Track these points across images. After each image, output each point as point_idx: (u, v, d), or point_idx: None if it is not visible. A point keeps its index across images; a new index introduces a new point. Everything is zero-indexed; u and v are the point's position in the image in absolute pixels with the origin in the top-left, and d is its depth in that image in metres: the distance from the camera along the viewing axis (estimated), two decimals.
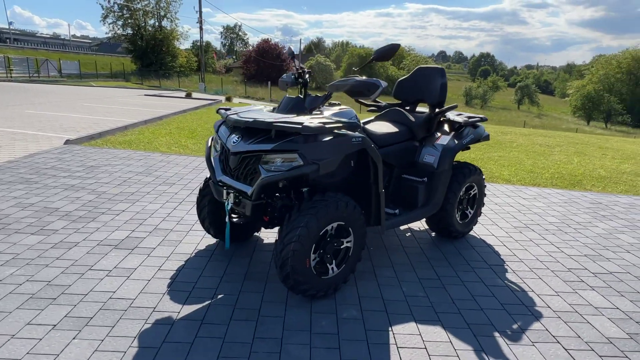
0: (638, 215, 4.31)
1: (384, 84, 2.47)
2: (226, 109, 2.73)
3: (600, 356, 2.04)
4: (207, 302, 2.33)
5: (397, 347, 2.03)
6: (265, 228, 2.72)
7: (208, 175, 2.96)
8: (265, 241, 3.18)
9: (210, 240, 3.13)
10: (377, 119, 3.46)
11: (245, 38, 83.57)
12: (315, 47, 78.10)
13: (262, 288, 2.51)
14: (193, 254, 2.89)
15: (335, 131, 2.32)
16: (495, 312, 2.38)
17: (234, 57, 73.26)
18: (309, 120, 2.26)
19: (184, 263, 2.76)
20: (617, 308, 2.49)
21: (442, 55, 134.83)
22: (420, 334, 2.14)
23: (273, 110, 2.76)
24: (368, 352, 1.98)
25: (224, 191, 2.50)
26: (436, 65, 3.59)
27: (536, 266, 2.99)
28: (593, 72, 58.91)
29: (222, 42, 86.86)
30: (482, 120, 3.47)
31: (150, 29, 41.07)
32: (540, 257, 3.14)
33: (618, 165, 7.07)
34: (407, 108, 3.59)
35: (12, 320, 2.07)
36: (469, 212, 3.44)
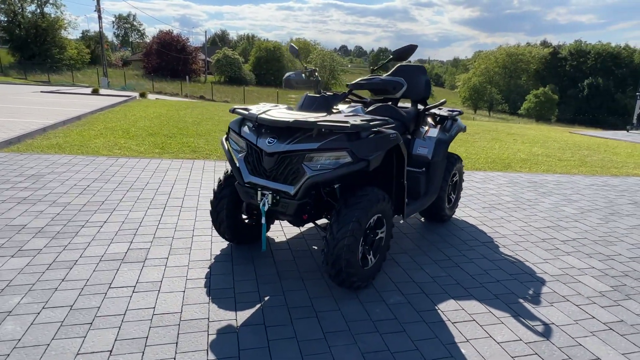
0: (567, 190, 5.12)
1: (405, 82, 2.64)
2: (244, 108, 2.66)
3: (602, 307, 2.48)
4: (258, 306, 2.29)
5: (452, 323, 2.24)
6: (297, 225, 2.71)
7: (222, 177, 2.86)
8: (277, 240, 3.17)
9: (221, 244, 3.03)
10: (369, 114, 3.62)
11: (141, 29, 77.53)
12: (220, 39, 75.52)
13: (301, 285, 2.53)
14: (212, 260, 2.78)
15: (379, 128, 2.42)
16: (510, 282, 2.72)
17: (129, 48, 67.61)
18: (353, 119, 2.33)
19: (209, 270, 2.65)
20: (593, 267, 3.00)
21: (343, 50, 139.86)
22: (463, 309, 2.38)
23: (293, 109, 2.77)
24: (431, 330, 2.16)
25: (258, 192, 2.47)
26: (417, 64, 3.85)
27: (518, 240, 3.44)
28: (476, 66, 66.13)
29: (114, 33, 79.50)
30: (460, 113, 3.83)
31: (29, 15, 36.04)
32: (517, 232, 3.61)
33: (530, 148, 8.20)
34: (389, 103, 3.81)
35: (58, 353, 1.84)
36: (452, 197, 3.80)
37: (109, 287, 2.38)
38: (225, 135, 2.85)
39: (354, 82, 2.85)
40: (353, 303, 2.37)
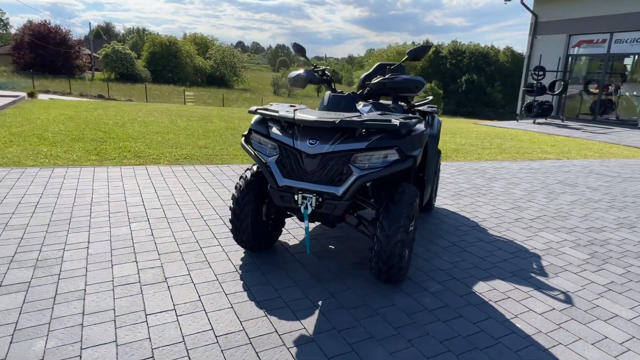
0: (506, 174, 5.80)
1: (425, 81, 2.76)
2: (265, 109, 2.54)
3: (592, 272, 2.90)
4: (316, 311, 2.23)
5: (494, 302, 2.44)
6: (331, 226, 2.67)
7: (241, 183, 2.68)
8: (290, 243, 3.08)
9: (235, 253, 2.85)
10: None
11: (4, 18, 66.68)
12: (105, 32, 68.43)
13: (344, 286, 2.52)
14: (240, 271, 2.61)
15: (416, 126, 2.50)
16: (514, 259, 3.03)
17: None
18: (395, 117, 2.38)
19: (242, 282, 2.49)
20: (566, 240, 3.49)
21: (240, 46, 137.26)
22: (494, 288, 2.60)
23: (316, 109, 2.71)
24: (482, 312, 2.33)
25: (299, 196, 2.39)
26: (396, 62, 4.02)
27: (497, 222, 3.83)
28: (370, 63, 70.18)
29: None
30: (436, 109, 4.10)
31: None
32: (492, 215, 4.01)
33: (453, 139, 9.05)
34: (371, 101, 3.93)
35: None
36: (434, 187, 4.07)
37: (147, 315, 2.11)
38: (244, 138, 2.69)
39: (376, 80, 2.88)
40: (402, 296, 2.44)
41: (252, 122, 2.64)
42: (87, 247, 2.81)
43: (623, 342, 2.12)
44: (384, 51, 71.11)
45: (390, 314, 2.25)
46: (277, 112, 2.48)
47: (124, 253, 2.76)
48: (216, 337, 1.97)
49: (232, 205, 2.69)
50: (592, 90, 14.38)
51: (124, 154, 5.58)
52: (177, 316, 2.11)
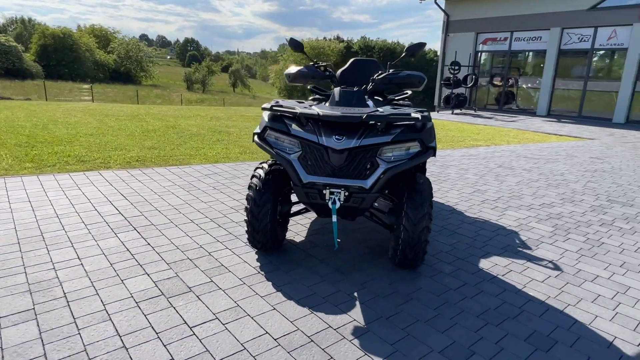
0: (453, 161, 6.30)
1: (425, 76, 2.91)
2: (280, 106, 2.50)
3: (563, 242, 3.33)
4: (357, 303, 2.28)
5: (502, 276, 2.70)
6: (352, 219, 2.70)
7: (257, 183, 2.60)
8: (296, 240, 3.07)
9: (247, 255, 2.77)
10: None
11: None
12: None
13: (368, 276, 2.59)
14: (262, 272, 2.55)
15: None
16: (499, 237, 3.36)
17: None
18: (413, 111, 2.49)
19: (270, 282, 2.44)
20: (529, 216, 3.94)
21: (145, 39, 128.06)
22: (496, 264, 2.86)
23: (322, 104, 2.72)
24: (498, 286, 2.56)
25: (326, 191, 2.41)
26: (371, 58, 4.14)
27: (469, 205, 4.18)
28: (285, 58, 70.27)
29: None
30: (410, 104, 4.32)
31: None
32: (462, 199, 4.36)
33: None
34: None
35: None
36: None
37: (189, 327, 1.98)
38: (257, 136, 2.61)
39: (380, 76, 2.96)
40: (424, 280, 2.59)
41: (267, 119, 2.57)
42: (81, 264, 2.52)
43: (613, 297, 2.50)
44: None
45: (423, 297, 2.38)
46: (293, 108, 2.45)
47: (128, 266, 2.53)
48: (275, 339, 1.93)
49: (248, 206, 2.60)
50: (496, 83, 16.06)
51: (64, 159, 5.00)
52: (223, 325, 2.02)
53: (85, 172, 4.53)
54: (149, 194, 3.92)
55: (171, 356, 1.78)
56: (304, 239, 3.12)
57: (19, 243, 2.75)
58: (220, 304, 2.19)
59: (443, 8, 15.99)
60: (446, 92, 14.78)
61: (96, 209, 3.43)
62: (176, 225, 3.20)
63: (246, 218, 2.64)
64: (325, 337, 1.97)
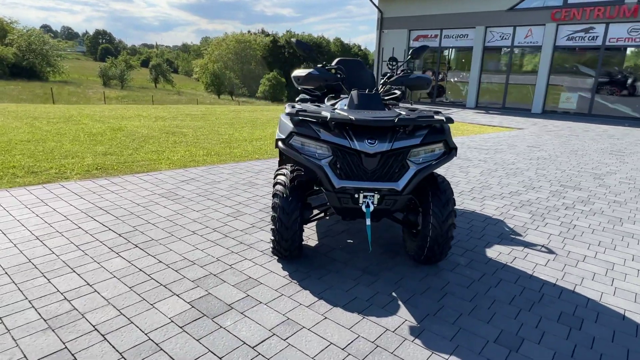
0: None
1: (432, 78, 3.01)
2: (304, 111, 2.45)
3: (545, 226, 3.67)
4: (400, 302, 2.33)
5: (509, 264, 2.91)
6: (378, 220, 2.72)
7: (282, 190, 2.52)
8: (311, 243, 3.03)
9: (269, 262, 2.69)
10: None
11: None
12: None
13: (397, 275, 2.65)
14: (294, 281, 2.50)
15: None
16: (489, 226, 3.60)
17: None
18: (437, 113, 2.57)
19: (308, 291, 2.40)
20: (506, 205, 4.27)
21: (47, 30, 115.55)
22: (500, 252, 3.08)
23: (341, 107, 2.71)
24: (511, 273, 2.76)
25: (360, 195, 2.42)
26: (355, 58, 4.18)
27: (459, 201, 4.40)
28: (210, 52, 67.96)
29: None
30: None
31: None
32: None
33: None
34: (332, 95, 4.04)
35: None
36: None
37: (251, 347, 1.89)
38: (282, 141, 2.53)
39: (392, 78, 2.99)
40: (448, 274, 2.71)
41: (291, 124, 2.50)
42: (95, 291, 2.27)
43: (606, 274, 2.83)
44: (223, 40, 69.55)
45: (455, 291, 2.50)
46: (319, 113, 2.42)
47: (150, 288, 2.33)
48: (343, 349, 1.92)
49: (276, 214, 2.52)
50: (398, 73, 16.96)
51: (10, 171, 4.42)
52: (284, 340, 1.96)
53: (45, 184, 4.05)
54: (131, 206, 3.61)
55: None
56: (317, 242, 3.10)
57: (7, 274, 2.40)
58: (270, 319, 2.11)
59: (377, 5, 16.52)
60: None
61: (80, 227, 3.10)
62: (180, 239, 3.00)
63: (273, 227, 2.56)
64: (387, 340, 2.00)
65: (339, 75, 2.93)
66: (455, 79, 16.95)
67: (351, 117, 2.33)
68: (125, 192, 3.96)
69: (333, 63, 4.00)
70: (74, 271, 2.48)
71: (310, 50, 2.99)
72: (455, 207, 2.61)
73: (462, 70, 16.30)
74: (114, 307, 2.14)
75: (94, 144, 6.04)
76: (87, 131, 7.04)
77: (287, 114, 2.47)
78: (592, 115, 13.58)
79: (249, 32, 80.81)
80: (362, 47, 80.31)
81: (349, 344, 1.95)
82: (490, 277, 2.70)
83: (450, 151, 2.56)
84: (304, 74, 2.89)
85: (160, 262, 2.65)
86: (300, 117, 2.44)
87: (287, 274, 2.59)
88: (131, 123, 8.32)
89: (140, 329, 1.98)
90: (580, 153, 7.45)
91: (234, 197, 4.02)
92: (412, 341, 2.01)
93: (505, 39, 14.40)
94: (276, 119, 10.49)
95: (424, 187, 2.65)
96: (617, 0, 12.20)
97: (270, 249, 2.74)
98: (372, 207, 2.44)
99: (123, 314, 2.09)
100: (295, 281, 2.51)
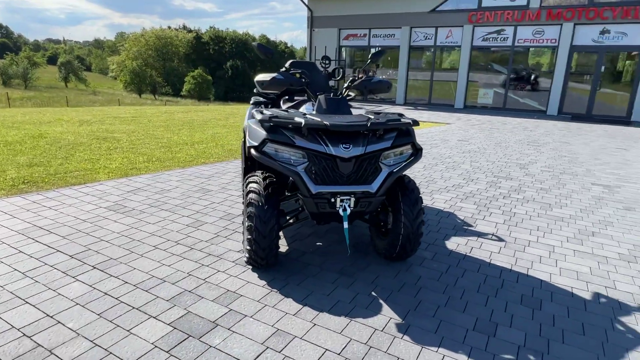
0: None
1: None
2: (277, 117, 2.43)
3: (491, 215, 3.98)
4: (381, 302, 2.40)
5: (470, 254, 3.13)
6: (350, 223, 2.75)
7: (256, 199, 2.46)
8: (282, 250, 3.00)
9: (243, 273, 2.62)
10: (294, 109, 3.73)
11: None
12: None
13: (372, 274, 2.72)
14: (274, 290, 2.46)
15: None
16: (442, 219, 3.83)
17: None
18: (401, 115, 2.67)
19: (290, 299, 2.38)
20: (453, 197, 4.56)
21: None
22: (458, 244, 3.29)
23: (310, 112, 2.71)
24: (473, 262, 2.97)
25: (337, 199, 2.45)
26: (308, 60, 4.17)
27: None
28: (127, 48, 63.69)
29: None
30: None
31: None
32: None
33: None
34: (287, 98, 4.03)
35: None
36: None
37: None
38: (255, 148, 2.47)
39: (356, 82, 3.02)
40: (418, 269, 2.84)
41: (263, 131, 2.45)
42: (59, 322, 2.06)
43: (550, 256, 3.15)
44: (142, 35, 65.46)
45: (428, 285, 2.64)
46: (292, 119, 2.41)
47: (122, 313, 2.16)
48: (339, 354, 1.94)
49: (252, 224, 2.46)
50: (360, 76, 17.47)
51: None
52: (280, 352, 1.93)
53: None
54: (76, 222, 3.31)
55: None
56: (287, 247, 3.08)
57: None
58: (259, 332, 2.07)
59: (306, 4, 16.64)
60: None
61: (21, 251, 2.77)
62: (141, 255, 2.81)
63: (249, 236, 2.49)
64: (379, 340, 2.06)
65: (303, 80, 2.92)
66: (383, 77, 17.64)
67: (326, 122, 2.35)
68: (65, 208, 3.61)
69: (286, 65, 3.97)
70: (27, 302, 2.22)
71: (272, 53, 2.95)
72: (422, 205, 2.76)
73: (390, 68, 17.02)
74: (85, 338, 1.96)
75: (13, 154, 5.41)
76: (2, 140, 6.27)
77: (260, 120, 2.42)
78: (506, 109, 14.93)
79: (169, 27, 76.93)
80: (289, 45, 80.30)
81: (343, 349, 1.98)
82: (455, 268, 2.88)
83: (417, 152, 2.68)
84: (268, 79, 2.84)
85: (126, 282, 2.46)
86: (275, 123, 2.40)
87: (265, 283, 2.55)
88: (53, 129, 7.56)
89: None
90: (504, 145, 8.17)
91: (190, 205, 3.84)
92: (402, 338, 2.09)
93: (429, 39, 15.29)
94: (213, 120, 10.16)
95: (393, 188, 2.75)
96: (523, 6, 13.53)
97: (245, 259, 2.67)
98: (349, 211, 2.48)
99: (98, 344, 1.92)
100: (276, 290, 2.48)
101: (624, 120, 12.99)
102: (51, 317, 2.11)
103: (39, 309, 2.17)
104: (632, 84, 12.95)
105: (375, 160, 2.50)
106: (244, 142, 3.67)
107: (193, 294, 2.37)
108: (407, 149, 2.63)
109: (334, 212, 2.51)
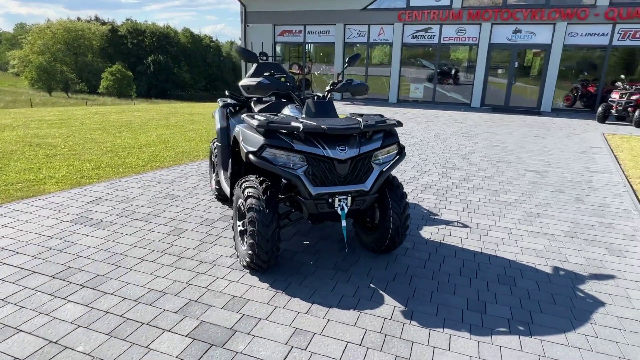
0: None
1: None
2: (273, 122, 2.48)
3: (449, 204, 4.34)
4: (382, 292, 2.57)
5: (444, 242, 3.41)
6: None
7: (256, 203, 2.49)
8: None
9: (239, 278, 2.65)
10: (267, 110, 3.75)
11: None
12: None
13: (365, 267, 2.88)
14: (280, 291, 2.52)
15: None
16: (418, 208, 4.11)
17: None
18: (382, 116, 2.83)
19: (298, 299, 2.46)
20: (413, 189, 4.87)
21: None
22: (431, 232, 3.57)
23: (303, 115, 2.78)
24: (448, 249, 3.25)
25: (336, 199, 2.57)
26: (274, 62, 4.18)
27: None
28: (31, 41, 57.56)
29: None
30: None
31: None
32: None
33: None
34: (255, 99, 4.04)
35: None
36: None
37: None
38: (254, 154, 2.49)
39: (338, 85, 3.11)
40: (405, 259, 3.05)
41: (260, 136, 2.48)
42: (65, 348, 1.95)
43: (510, 237, 3.54)
44: (47, 27, 59.44)
45: (418, 273, 2.85)
46: (288, 124, 2.48)
47: (133, 330, 2.10)
48: (360, 345, 2.07)
49: (254, 228, 2.49)
50: (295, 71, 17.58)
51: None
52: (305, 350, 2.01)
53: None
54: (43, 240, 3.06)
55: None
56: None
57: None
58: (280, 333, 2.13)
59: None
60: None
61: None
62: (130, 269, 2.71)
63: (252, 241, 2.52)
64: (391, 328, 2.23)
65: (288, 84, 2.98)
66: (318, 72, 17.93)
67: (323, 126, 2.45)
68: (23, 225, 3.31)
69: (252, 69, 3.98)
70: (20, 330, 2.06)
71: (254, 57, 2.97)
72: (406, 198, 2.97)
73: (326, 63, 17.32)
74: None
75: None
76: None
77: (257, 126, 2.45)
78: (436, 102, 15.96)
79: (79, 19, 70.64)
80: (214, 39, 77.59)
81: (362, 339, 2.12)
82: (435, 255, 3.14)
83: (401, 151, 2.88)
84: (254, 83, 2.85)
85: (125, 298, 2.37)
86: (272, 129, 2.45)
87: (268, 285, 2.60)
88: (6, 134, 6.73)
89: None
90: (442, 137, 8.79)
91: (162, 213, 3.71)
92: (410, 324, 2.27)
93: (362, 35, 15.80)
94: (152, 120, 9.66)
95: (380, 185, 2.93)
96: (447, 6, 14.50)
97: (245, 263, 2.68)
98: (346, 209, 2.61)
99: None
100: (280, 291, 2.54)
101: (536, 111, 14.52)
102: (55, 342, 1.99)
103: (37, 335, 2.03)
104: (541, 78, 14.51)
105: (368, 160, 2.65)
106: (227, 145, 3.63)
107: (200, 304, 2.36)
108: (394, 149, 2.82)
109: (332, 211, 2.62)
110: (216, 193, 4.02)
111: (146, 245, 3.05)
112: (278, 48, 17.17)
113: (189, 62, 67.85)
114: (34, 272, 2.61)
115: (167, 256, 2.90)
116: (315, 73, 17.91)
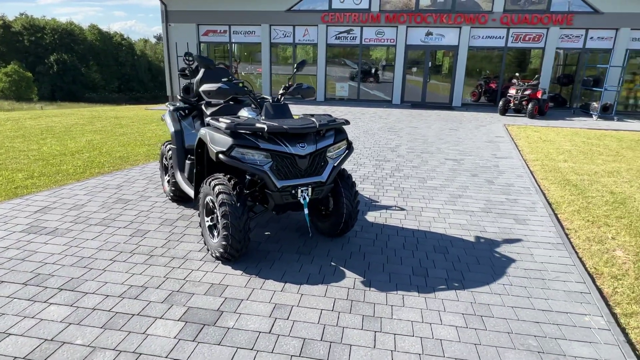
0: None
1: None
2: (240, 124, 2.77)
3: (387, 192, 4.88)
4: (342, 269, 2.96)
5: (386, 223, 3.91)
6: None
7: (226, 198, 2.73)
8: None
9: (213, 269, 2.89)
10: (219, 113, 3.95)
11: None
12: None
13: (324, 250, 3.26)
14: (255, 276, 2.80)
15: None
16: (360, 197, 4.57)
17: None
18: (332, 117, 3.22)
19: (272, 280, 2.76)
20: (354, 180, 5.34)
21: None
22: (379, 216, 4.06)
23: (262, 117, 3.06)
24: (392, 229, 3.75)
25: (299, 190, 2.91)
26: (220, 67, 4.36)
27: None
28: None
29: None
30: None
31: None
32: None
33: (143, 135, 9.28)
34: (204, 102, 4.23)
35: None
36: None
37: (270, 333, 2.22)
38: (223, 153, 2.74)
39: (290, 89, 3.40)
40: (355, 240, 3.49)
41: (229, 137, 2.74)
42: (64, 343, 2.08)
43: (439, 216, 4.15)
44: None
45: (369, 250, 3.30)
46: (254, 125, 2.77)
47: (125, 321, 2.27)
48: (332, 310, 2.45)
49: (227, 221, 2.74)
50: None
51: None
52: (287, 320, 2.34)
53: None
54: (2, 252, 3.01)
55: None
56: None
57: None
58: (262, 309, 2.43)
59: None
60: (183, 82, 14.99)
61: None
62: (104, 270, 2.81)
63: (225, 233, 2.77)
64: (355, 294, 2.63)
65: (246, 89, 3.24)
66: (244, 72, 17.98)
67: (284, 127, 2.78)
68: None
69: (199, 75, 4.15)
70: (10, 333, 2.13)
71: (212, 63, 3.21)
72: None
73: (251, 63, 17.42)
74: (105, 348, 2.05)
75: None
76: None
77: (226, 127, 2.71)
78: (360, 100, 16.86)
79: None
80: (125, 36, 72.78)
81: (334, 306, 2.50)
82: (381, 235, 3.62)
83: (350, 146, 3.30)
84: (214, 89, 3.08)
85: (108, 295, 2.50)
86: (240, 130, 2.72)
87: (242, 272, 2.87)
88: None
89: (156, 357, 2.01)
90: (371, 133, 9.48)
91: (119, 217, 3.76)
92: (370, 290, 2.70)
93: (288, 36, 16.15)
94: (76, 125, 9.14)
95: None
96: (366, 9, 15.41)
97: (217, 254, 2.92)
98: (307, 199, 2.97)
99: (122, 350, 2.04)
100: (254, 275, 2.83)
101: (448, 106, 16.03)
102: (51, 340, 2.10)
103: (30, 336, 2.12)
104: (451, 76, 16.05)
105: (323, 155, 3.03)
106: (182, 147, 3.79)
107: (183, 293, 2.57)
108: (344, 144, 3.23)
109: (296, 201, 2.96)
110: (171, 194, 4.14)
111: (112, 248, 3.14)
112: (203, 48, 16.89)
113: (98, 62, 62.98)
114: (2, 281, 2.61)
115: (138, 255, 3.03)
116: (242, 73, 17.91)
